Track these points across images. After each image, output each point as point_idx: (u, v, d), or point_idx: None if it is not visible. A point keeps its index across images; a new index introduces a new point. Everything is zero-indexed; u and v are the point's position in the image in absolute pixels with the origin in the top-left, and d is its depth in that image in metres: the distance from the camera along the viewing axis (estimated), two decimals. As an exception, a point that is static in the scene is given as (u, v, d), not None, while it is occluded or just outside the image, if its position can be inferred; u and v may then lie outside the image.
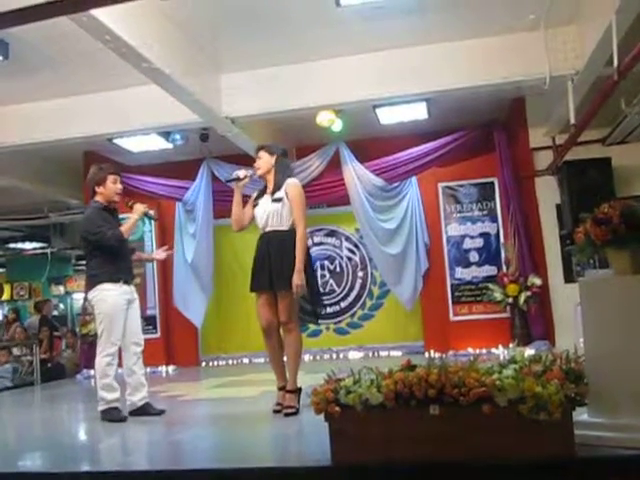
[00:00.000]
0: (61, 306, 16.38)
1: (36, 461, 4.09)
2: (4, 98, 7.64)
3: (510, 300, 8.34)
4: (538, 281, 8.27)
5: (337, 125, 8.46)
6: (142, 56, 5.66)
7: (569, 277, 8.28)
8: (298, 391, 4.71)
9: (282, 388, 4.78)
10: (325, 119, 8.25)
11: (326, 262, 9.81)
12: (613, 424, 2.93)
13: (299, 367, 4.81)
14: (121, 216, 5.34)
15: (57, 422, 5.90)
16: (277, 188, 4.81)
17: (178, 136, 8.69)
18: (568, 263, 8.36)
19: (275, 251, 4.70)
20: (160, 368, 9.30)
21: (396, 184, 9.20)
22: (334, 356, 9.42)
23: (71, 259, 16.03)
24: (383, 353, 9.26)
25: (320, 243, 9.86)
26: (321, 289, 6.96)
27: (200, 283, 9.52)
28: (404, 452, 2.86)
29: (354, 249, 9.87)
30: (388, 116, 8.32)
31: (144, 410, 5.06)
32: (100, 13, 4.91)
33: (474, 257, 8.96)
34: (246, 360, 9.63)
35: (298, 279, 4.55)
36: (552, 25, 6.55)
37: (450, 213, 9.08)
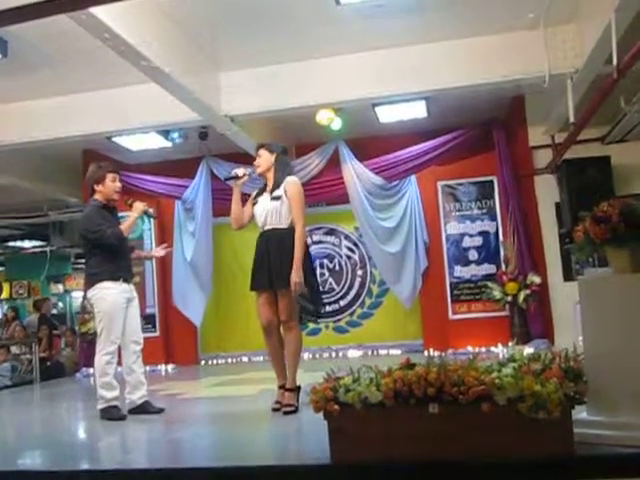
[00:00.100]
0: (60, 304, 16.39)
1: (36, 459, 4.09)
2: (3, 96, 7.63)
3: (509, 298, 8.34)
4: (537, 279, 8.27)
5: (336, 123, 8.45)
6: (141, 54, 5.65)
7: (568, 275, 8.28)
8: (297, 389, 4.71)
9: (282, 386, 4.78)
10: (324, 117, 8.25)
11: (325, 261, 9.81)
12: (612, 422, 2.94)
13: (298, 365, 4.80)
14: (120, 214, 5.34)
15: (56, 420, 5.91)
16: (276, 186, 4.81)
17: (177, 134, 8.69)
18: (567, 261, 8.37)
19: (274, 250, 4.70)
20: (159, 367, 9.30)
21: (395, 182, 9.20)
22: (333, 354, 9.42)
23: (70, 257, 16.04)
24: (382, 351, 9.26)
25: (319, 241, 9.86)
26: (321, 287, 6.96)
27: (199, 282, 9.51)
28: (403, 450, 2.85)
29: (353, 247, 9.87)
30: (387, 114, 8.32)
31: (143, 408, 5.06)
32: (99, 11, 4.90)
33: (473, 255, 8.97)
34: (245, 359, 9.64)
35: (296, 277, 4.55)
36: (551, 24, 6.55)
37: (449, 211, 9.09)
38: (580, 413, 3.01)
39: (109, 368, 4.96)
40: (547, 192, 8.53)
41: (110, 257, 5.03)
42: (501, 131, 8.75)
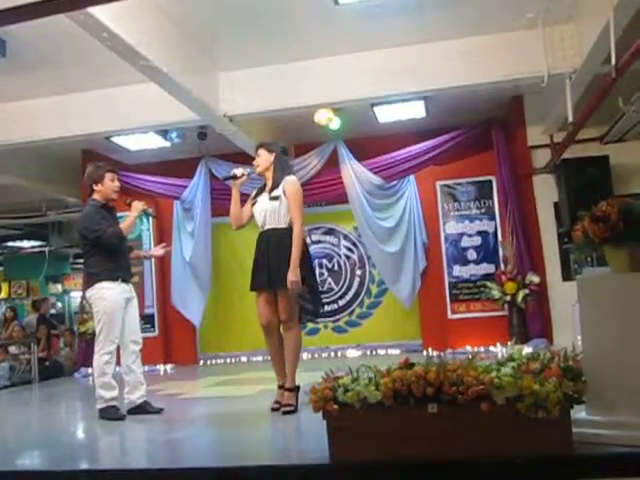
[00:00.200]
0: (59, 304, 16.39)
1: (34, 460, 4.09)
2: (2, 96, 7.62)
3: (508, 298, 8.34)
4: (536, 279, 8.27)
5: (335, 123, 8.45)
6: (140, 54, 5.65)
7: (567, 275, 8.28)
8: (296, 389, 4.71)
9: (281, 386, 4.78)
10: (323, 117, 8.25)
11: (324, 260, 9.81)
12: (611, 422, 2.94)
13: (298, 365, 4.80)
14: (119, 214, 5.34)
15: (55, 421, 5.91)
16: (275, 186, 4.81)
17: (175, 134, 8.69)
18: (566, 261, 8.38)
19: (274, 249, 4.70)
20: (158, 366, 9.29)
21: (394, 182, 9.20)
22: (332, 354, 9.42)
23: (69, 257, 16.03)
24: (381, 351, 9.26)
25: (318, 241, 9.86)
26: (320, 287, 6.95)
27: (198, 282, 9.51)
28: (402, 450, 2.86)
29: (352, 247, 9.87)
30: (386, 114, 8.32)
31: (142, 408, 5.06)
32: (97, 11, 4.90)
33: (472, 255, 8.97)
34: (244, 358, 9.64)
35: (293, 275, 4.55)
36: (550, 23, 6.55)
37: (448, 211, 9.09)
38: (579, 412, 3.01)
39: (108, 368, 4.96)
40: (546, 192, 8.53)
41: (109, 257, 5.03)
42: (500, 131, 8.75)
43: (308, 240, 8.63)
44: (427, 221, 9.17)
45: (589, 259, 6.31)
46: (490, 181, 8.97)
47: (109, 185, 5.14)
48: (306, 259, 4.78)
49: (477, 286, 8.85)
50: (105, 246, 5.00)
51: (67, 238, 13.76)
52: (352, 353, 9.36)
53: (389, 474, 2.93)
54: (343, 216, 9.65)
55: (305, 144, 9.14)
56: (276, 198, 4.76)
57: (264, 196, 4.86)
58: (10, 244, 15.10)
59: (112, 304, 4.97)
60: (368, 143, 9.11)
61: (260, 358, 9.27)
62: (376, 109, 8.01)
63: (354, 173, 9.05)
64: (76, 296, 15.41)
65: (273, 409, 4.72)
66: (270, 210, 4.77)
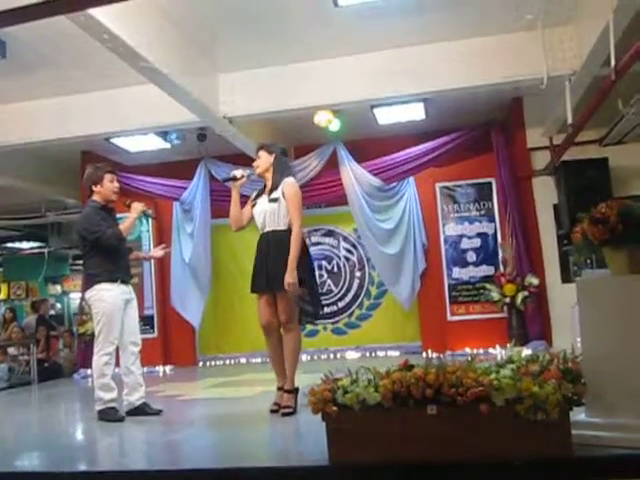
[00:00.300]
0: (58, 305, 16.38)
1: (33, 461, 4.09)
2: (2, 97, 7.62)
3: (507, 300, 8.34)
4: (535, 281, 8.27)
5: (335, 125, 8.45)
6: (140, 55, 5.64)
7: (566, 277, 8.28)
8: (295, 391, 4.71)
9: (281, 388, 4.78)
10: (323, 119, 8.24)
11: (324, 262, 9.80)
12: (610, 424, 2.94)
13: (297, 367, 4.80)
14: (119, 216, 5.34)
15: (54, 422, 5.91)
16: (274, 188, 4.81)
17: (175, 136, 8.68)
18: (565, 263, 8.38)
19: (273, 251, 4.71)
20: (157, 368, 9.28)
21: (394, 184, 9.20)
22: (331, 356, 9.41)
23: (68, 258, 16.02)
24: (380, 353, 9.26)
25: (318, 243, 9.85)
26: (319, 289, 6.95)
27: (198, 283, 9.51)
28: (401, 452, 2.86)
29: (352, 249, 9.87)
30: (386, 116, 8.32)
31: (141, 410, 5.06)
32: (98, 12, 4.90)
33: (471, 257, 8.97)
34: (243, 360, 9.63)
35: (290, 277, 4.55)
36: (549, 25, 6.55)
37: (447, 213, 9.09)
38: (578, 414, 3.01)
39: (107, 369, 4.95)
40: (545, 194, 8.54)
41: (108, 258, 5.03)
42: (499, 133, 8.75)
43: (308, 242, 8.64)
44: (427, 223, 9.17)
45: (588, 261, 6.31)
46: (490, 183, 8.97)
47: (108, 186, 5.14)
48: (306, 261, 4.78)
49: (476, 288, 8.85)
50: (104, 247, 5.00)
51: (66, 239, 13.76)
52: (351, 355, 9.35)
53: (389, 476, 2.93)
54: (343, 218, 9.65)
55: (305, 146, 9.14)
56: (275, 200, 4.76)
57: (264, 198, 4.87)
58: (9, 245, 15.10)
59: (111, 305, 4.96)
60: (368, 145, 9.11)
61: (259, 360, 9.26)
62: (376, 111, 8.01)
63: (354, 175, 9.05)
64: (75, 297, 15.41)
65: (272, 411, 4.72)
66: (269, 212, 4.77)
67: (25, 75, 7.02)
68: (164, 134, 8.60)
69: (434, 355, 8.25)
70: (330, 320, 9.65)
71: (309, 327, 8.41)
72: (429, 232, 9.16)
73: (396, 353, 9.09)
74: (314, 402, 3.00)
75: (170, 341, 9.77)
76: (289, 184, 4.81)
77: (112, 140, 8.53)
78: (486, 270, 8.87)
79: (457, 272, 8.99)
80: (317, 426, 3.08)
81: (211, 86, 7.22)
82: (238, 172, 5.00)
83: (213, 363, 9.80)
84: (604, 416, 2.98)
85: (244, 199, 5.04)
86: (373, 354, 9.28)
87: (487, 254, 8.93)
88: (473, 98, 7.66)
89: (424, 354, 8.63)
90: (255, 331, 5.18)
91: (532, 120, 8.52)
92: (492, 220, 8.96)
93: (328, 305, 9.56)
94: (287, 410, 4.58)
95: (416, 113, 8.28)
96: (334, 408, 2.95)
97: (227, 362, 9.73)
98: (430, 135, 8.83)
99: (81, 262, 5.57)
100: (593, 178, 7.65)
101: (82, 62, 6.76)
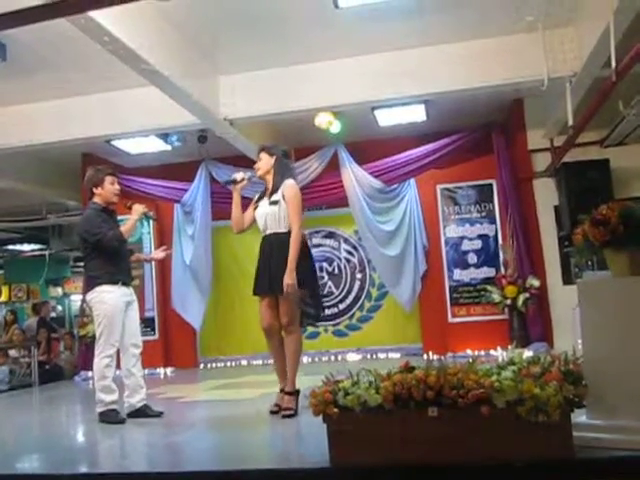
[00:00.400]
0: (59, 308, 16.38)
1: (34, 463, 4.09)
2: (2, 100, 7.63)
3: (508, 302, 8.34)
4: (536, 283, 8.27)
5: (335, 127, 8.45)
6: (141, 58, 5.65)
7: (567, 279, 8.28)
8: (296, 393, 4.70)
9: (282, 390, 4.77)
10: (324, 121, 8.24)
11: (324, 264, 9.80)
12: (611, 426, 2.93)
13: (298, 369, 4.80)
14: (120, 218, 5.34)
15: (55, 424, 5.91)
16: (275, 190, 4.81)
17: (176, 138, 8.69)
18: (566, 265, 8.37)
19: (275, 254, 4.70)
20: (158, 370, 9.29)
21: (394, 186, 9.21)
22: (332, 358, 9.41)
23: (69, 261, 16.04)
24: (381, 355, 9.26)
25: (319, 245, 9.85)
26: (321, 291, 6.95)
27: (199, 285, 9.51)
28: (402, 454, 2.85)
29: (353, 251, 9.87)
30: (386, 118, 8.32)
31: (142, 412, 5.05)
32: (98, 15, 4.90)
33: (472, 259, 8.97)
34: (244, 362, 9.64)
35: (289, 278, 4.54)
36: (550, 26, 6.55)
37: (448, 215, 9.09)
38: (579, 416, 3.01)
39: (108, 371, 4.95)
40: (546, 195, 8.54)
41: (109, 260, 5.03)
42: (500, 134, 8.76)
43: (309, 243, 8.64)
44: (427, 224, 9.18)
45: (589, 263, 6.31)
46: (490, 185, 8.97)
47: (109, 188, 5.14)
48: (307, 262, 4.77)
49: (477, 290, 8.85)
50: (106, 249, 5.00)
51: (67, 241, 13.77)
52: (352, 357, 9.35)
53: (389, 478, 2.92)
54: (343, 219, 9.65)
55: (305, 147, 9.14)
56: (275, 203, 4.76)
57: (265, 200, 4.86)
58: (10, 247, 15.11)
59: (112, 307, 4.96)
60: (368, 146, 9.11)
61: (260, 362, 9.27)
62: (376, 112, 8.01)
63: (354, 176, 9.05)
64: (76, 299, 15.41)
65: (272, 412, 4.72)
66: (270, 214, 4.77)
67: (25, 77, 7.03)
68: (165, 136, 8.61)
69: (435, 357, 8.23)
70: (331, 322, 9.65)
71: (310, 329, 8.41)
72: (430, 234, 9.16)
73: (397, 355, 9.08)
74: (315, 404, 2.99)
75: (171, 343, 9.78)
76: (289, 186, 4.80)
77: (113, 142, 8.53)
78: (487, 272, 8.87)
79: (458, 274, 8.99)
80: (318, 428, 3.07)
81: (212, 88, 7.22)
82: (239, 175, 5.00)
83: (214, 365, 9.80)
84: (605, 418, 2.98)
85: (247, 201, 5.04)
86: (374, 356, 9.28)
87: (488, 256, 8.92)
88: (474, 100, 7.66)
89: (425, 356, 8.62)
90: (256, 333, 5.18)
91: (533, 122, 8.52)
92: (493, 222, 8.96)
93: (329, 307, 9.55)
94: (288, 412, 4.57)
95: (417, 115, 8.28)
96: (335, 410, 2.95)
97: (228, 364, 9.74)
98: (431, 137, 8.84)
99: (82, 264, 5.57)
100: (594, 179, 7.65)
101: (82, 64, 6.77)
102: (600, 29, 5.46)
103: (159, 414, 5.09)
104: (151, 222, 9.05)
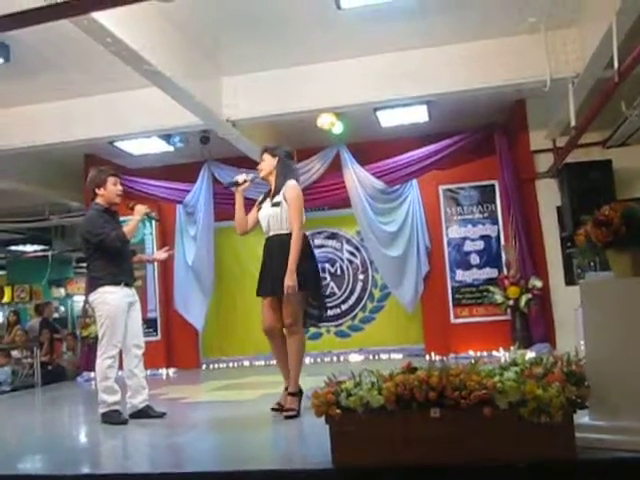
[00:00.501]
0: (62, 308, 16.40)
1: (37, 464, 4.09)
2: (6, 101, 7.65)
3: (511, 302, 8.34)
4: (539, 283, 8.27)
5: (338, 128, 8.45)
6: (143, 59, 5.66)
7: (570, 279, 8.28)
8: (299, 394, 4.70)
9: (287, 389, 4.77)
10: (326, 122, 8.24)
11: (327, 265, 9.80)
12: (614, 427, 2.93)
13: (301, 370, 4.80)
14: (122, 218, 5.34)
15: (58, 425, 5.91)
16: (277, 191, 4.80)
17: (178, 139, 8.69)
18: (569, 265, 8.37)
19: (278, 255, 4.69)
20: (161, 371, 9.30)
21: (397, 187, 9.21)
22: (335, 359, 9.42)
23: (72, 261, 16.05)
24: (384, 356, 9.26)
25: (321, 246, 9.84)
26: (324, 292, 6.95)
27: (201, 286, 9.52)
28: (405, 455, 2.85)
29: (355, 252, 9.87)
30: (389, 119, 8.32)
31: (145, 413, 5.05)
32: (101, 16, 4.91)
33: (475, 259, 8.97)
34: (247, 362, 9.65)
35: (289, 280, 4.53)
36: (552, 27, 6.55)
37: (451, 216, 9.09)
38: (582, 417, 3.00)
39: (110, 372, 4.95)
40: (548, 196, 8.53)
41: (112, 261, 5.03)
42: (502, 135, 8.76)
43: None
44: (430, 225, 9.18)
45: (592, 263, 6.29)
46: (493, 185, 8.97)
47: (112, 189, 5.14)
48: (309, 263, 4.76)
49: (480, 290, 8.86)
50: (108, 250, 5.00)
51: (70, 242, 13.79)
52: (355, 357, 9.36)
53: (392, 478, 2.92)
54: (346, 220, 9.65)
55: (308, 148, 9.14)
56: (277, 204, 4.75)
57: (268, 202, 4.86)
58: (13, 248, 15.12)
59: (115, 308, 4.97)
60: (371, 147, 9.12)
61: (262, 362, 9.28)
62: (379, 113, 8.01)
63: (357, 177, 9.05)
64: (79, 300, 15.41)
65: (273, 409, 4.71)
66: (272, 216, 4.76)
67: (29, 78, 7.04)
68: (167, 137, 8.62)
69: (437, 358, 8.22)
70: (333, 323, 9.65)
71: (312, 330, 8.41)
72: (432, 235, 9.16)
73: (399, 356, 9.08)
74: (317, 405, 2.99)
75: (173, 344, 9.79)
76: (290, 187, 4.78)
77: (115, 143, 8.54)
78: (489, 273, 8.87)
79: (460, 275, 8.99)
80: (320, 429, 3.07)
81: (214, 89, 7.23)
82: (241, 177, 4.99)
83: (216, 366, 9.81)
84: (608, 419, 2.97)
85: (251, 202, 5.03)
86: (376, 357, 9.29)
87: (490, 257, 8.92)
88: (476, 100, 7.66)
89: (427, 357, 8.61)
90: (258, 334, 5.17)
91: (535, 122, 8.52)
92: (495, 223, 8.96)
93: (331, 308, 9.54)
94: (290, 413, 4.57)
95: (419, 115, 8.28)
96: (337, 411, 2.95)
97: (230, 365, 9.75)
98: (433, 138, 8.84)
99: (85, 265, 5.57)
100: (596, 180, 7.65)
101: (85, 65, 6.78)
102: (602, 30, 5.46)
103: (161, 415, 5.09)
104: (153, 223, 9.06)
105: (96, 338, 5.33)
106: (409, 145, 8.96)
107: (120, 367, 5.11)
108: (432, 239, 9.16)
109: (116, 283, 5.01)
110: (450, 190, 9.12)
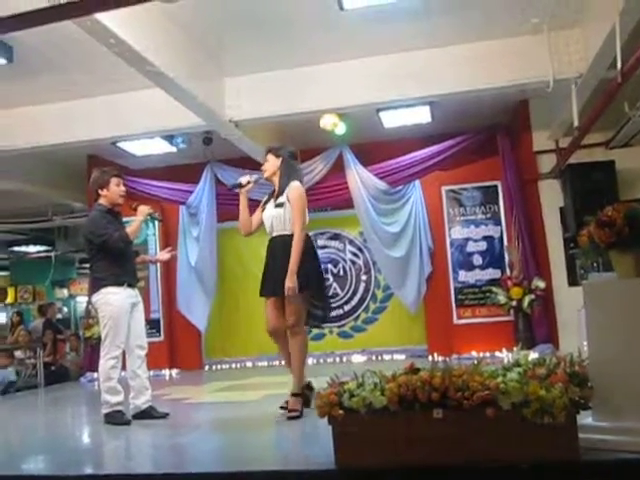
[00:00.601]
0: (65, 309, 16.42)
1: (40, 464, 4.10)
2: (9, 101, 7.66)
3: (514, 303, 8.33)
4: (542, 284, 8.26)
5: (341, 128, 8.45)
6: (146, 60, 5.66)
7: (573, 280, 8.26)
8: (302, 395, 4.70)
9: None
10: (329, 122, 8.24)
11: (330, 265, 9.80)
12: (617, 427, 2.92)
13: (304, 370, 4.79)
14: (125, 219, 5.35)
15: (61, 425, 5.92)
16: (280, 192, 4.80)
17: (181, 139, 8.70)
18: (572, 266, 8.36)
19: (280, 256, 4.69)
20: (164, 371, 9.30)
21: (400, 187, 9.20)
22: (337, 360, 9.41)
23: (75, 262, 16.07)
24: (386, 356, 9.25)
25: (324, 246, 9.84)
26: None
27: (204, 286, 9.52)
28: (407, 455, 2.85)
29: (358, 252, 9.87)
30: (391, 119, 8.31)
31: (148, 413, 5.06)
32: (104, 17, 4.92)
33: (477, 260, 8.96)
34: (249, 363, 9.65)
35: (290, 281, 4.53)
36: (556, 28, 6.55)
37: (454, 216, 9.08)
38: (585, 418, 3.00)
39: (113, 373, 4.96)
40: (551, 197, 8.52)
41: (115, 262, 5.03)
42: (505, 136, 8.75)
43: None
44: (432, 226, 9.17)
45: (595, 264, 6.29)
46: (496, 186, 8.97)
47: (115, 190, 5.15)
48: (311, 264, 4.75)
49: (483, 291, 8.85)
50: (111, 251, 5.01)
51: (73, 243, 13.81)
52: (357, 358, 9.35)
53: (394, 479, 2.92)
54: (348, 221, 9.65)
55: (311, 149, 9.13)
56: (280, 205, 4.75)
57: (272, 202, 4.86)
58: (16, 249, 15.14)
59: (118, 309, 4.97)
60: (373, 148, 9.12)
61: (265, 363, 9.29)
62: (381, 114, 8.01)
63: (359, 178, 9.05)
64: (82, 301, 15.44)
65: (282, 407, 4.71)
66: (276, 217, 4.77)
67: (32, 79, 7.05)
68: (170, 138, 8.62)
69: (440, 358, 8.21)
70: (336, 323, 9.64)
71: (315, 331, 8.40)
72: (435, 235, 9.15)
73: (402, 356, 9.07)
74: (320, 405, 3.00)
75: (176, 344, 9.79)
76: (293, 188, 4.78)
77: (118, 144, 8.55)
78: (492, 273, 8.87)
79: (463, 275, 8.98)
80: (323, 430, 3.07)
81: (217, 90, 7.23)
82: (244, 179, 4.99)
83: (219, 367, 9.81)
84: (611, 420, 2.97)
85: (255, 203, 5.03)
86: (379, 357, 9.28)
87: (493, 257, 8.92)
88: (479, 101, 7.65)
89: (430, 357, 8.60)
90: (261, 334, 5.17)
91: (538, 123, 8.51)
92: (498, 223, 8.95)
93: (334, 308, 9.51)
94: (293, 414, 4.57)
95: (422, 116, 8.28)
96: (340, 412, 2.95)
97: (233, 366, 9.75)
98: (436, 138, 8.83)
99: (88, 266, 5.58)
100: (599, 181, 7.64)
101: (88, 66, 6.79)
102: (606, 30, 5.45)
103: (164, 415, 5.09)
104: (156, 224, 9.08)
105: (99, 339, 5.33)
106: (412, 146, 8.95)
107: (123, 368, 5.11)
108: (435, 240, 9.16)
109: (119, 284, 5.02)
110: (453, 191, 9.11)
